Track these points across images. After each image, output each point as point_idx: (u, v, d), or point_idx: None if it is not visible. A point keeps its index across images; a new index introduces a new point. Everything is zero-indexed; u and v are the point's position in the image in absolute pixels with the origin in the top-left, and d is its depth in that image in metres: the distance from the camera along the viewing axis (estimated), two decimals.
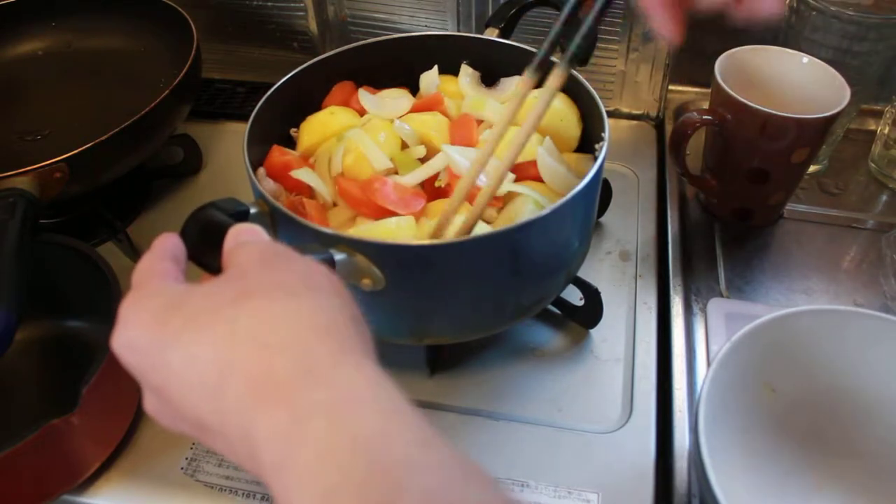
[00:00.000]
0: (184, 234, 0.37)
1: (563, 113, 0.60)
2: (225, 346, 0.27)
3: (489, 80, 0.65)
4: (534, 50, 0.62)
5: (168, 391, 0.28)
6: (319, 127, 0.61)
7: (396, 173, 0.57)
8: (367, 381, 0.27)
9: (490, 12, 0.78)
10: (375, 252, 0.46)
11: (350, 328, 0.29)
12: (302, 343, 0.27)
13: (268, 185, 0.57)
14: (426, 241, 0.49)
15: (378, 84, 0.65)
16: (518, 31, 0.69)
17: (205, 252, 0.36)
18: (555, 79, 0.47)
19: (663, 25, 0.42)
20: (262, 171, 0.58)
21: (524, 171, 0.56)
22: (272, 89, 0.59)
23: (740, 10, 0.41)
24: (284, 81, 0.60)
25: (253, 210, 0.47)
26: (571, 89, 0.60)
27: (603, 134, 0.54)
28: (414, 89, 0.66)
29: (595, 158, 0.53)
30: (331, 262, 0.42)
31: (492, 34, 0.66)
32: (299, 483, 0.24)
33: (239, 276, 0.31)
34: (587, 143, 0.60)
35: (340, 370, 0.26)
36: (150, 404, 0.31)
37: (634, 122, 0.84)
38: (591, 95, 0.57)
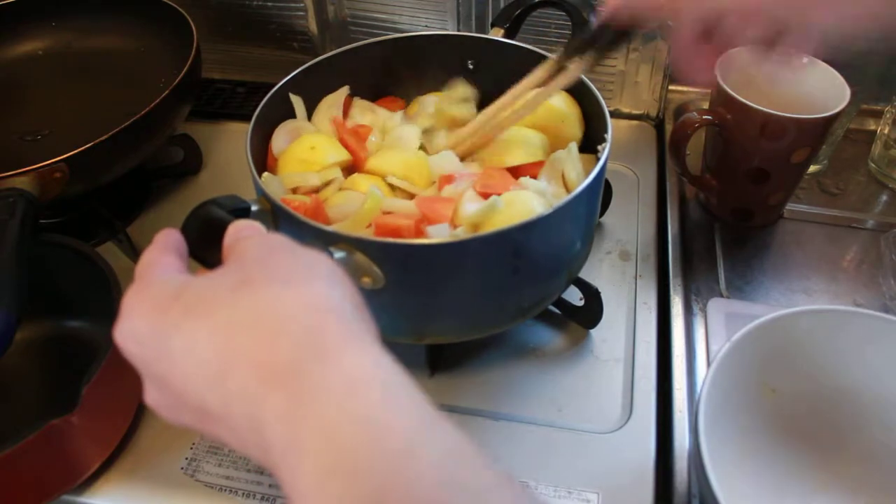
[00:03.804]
0: (184, 231, 0.37)
1: (565, 114, 0.60)
2: (226, 332, 0.27)
3: (495, 84, 0.61)
4: (537, 51, 0.62)
5: (170, 379, 0.28)
6: (299, 165, 0.57)
7: None
8: (374, 364, 0.27)
9: (490, 12, 0.78)
10: (375, 251, 0.45)
11: (355, 314, 0.29)
12: (307, 327, 0.27)
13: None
14: (426, 241, 0.49)
15: (379, 84, 0.65)
16: (522, 31, 0.69)
17: (205, 248, 0.36)
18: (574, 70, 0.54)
19: (698, 74, 0.50)
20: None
21: (527, 172, 0.56)
22: (274, 89, 0.59)
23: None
24: (285, 81, 0.60)
25: (254, 208, 0.47)
26: (574, 90, 0.60)
27: (606, 135, 0.53)
28: (415, 90, 0.66)
29: (597, 159, 0.53)
30: None
31: (497, 34, 0.66)
32: (302, 464, 0.24)
33: (240, 266, 0.31)
34: (589, 143, 0.60)
35: (346, 353, 0.27)
36: (151, 396, 0.31)
37: (634, 122, 0.84)
38: (595, 96, 0.57)
